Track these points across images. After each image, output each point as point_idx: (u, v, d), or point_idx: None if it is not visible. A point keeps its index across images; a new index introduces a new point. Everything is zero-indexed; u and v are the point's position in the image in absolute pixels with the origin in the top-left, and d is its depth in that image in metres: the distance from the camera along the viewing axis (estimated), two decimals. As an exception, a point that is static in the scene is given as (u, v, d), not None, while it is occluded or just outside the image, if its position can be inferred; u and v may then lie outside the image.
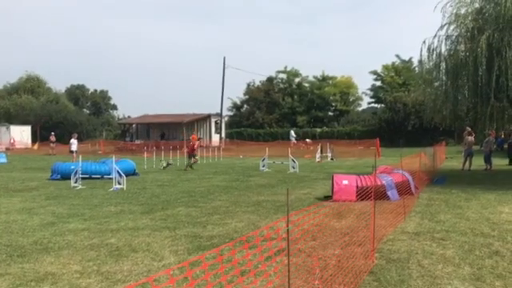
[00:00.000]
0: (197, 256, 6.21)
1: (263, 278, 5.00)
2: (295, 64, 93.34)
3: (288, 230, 3.97)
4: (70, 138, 28.73)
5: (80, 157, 17.52)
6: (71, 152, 27.15)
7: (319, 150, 28.48)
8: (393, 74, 56.30)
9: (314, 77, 61.88)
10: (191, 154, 22.65)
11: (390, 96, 48.21)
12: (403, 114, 43.88)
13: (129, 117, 66.58)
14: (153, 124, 50.38)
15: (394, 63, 57.34)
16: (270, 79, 61.49)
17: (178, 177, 18.66)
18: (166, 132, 48.62)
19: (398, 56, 57.82)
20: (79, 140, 32.75)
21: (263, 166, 21.41)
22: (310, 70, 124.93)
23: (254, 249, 5.17)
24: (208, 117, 49.39)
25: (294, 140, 44.82)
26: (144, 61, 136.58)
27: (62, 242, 7.65)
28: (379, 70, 57.88)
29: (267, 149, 23.06)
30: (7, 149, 43.24)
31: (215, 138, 48.66)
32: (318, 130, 53.01)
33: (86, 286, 5.59)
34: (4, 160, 28.92)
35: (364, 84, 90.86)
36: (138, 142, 47.08)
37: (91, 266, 6.31)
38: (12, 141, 47.72)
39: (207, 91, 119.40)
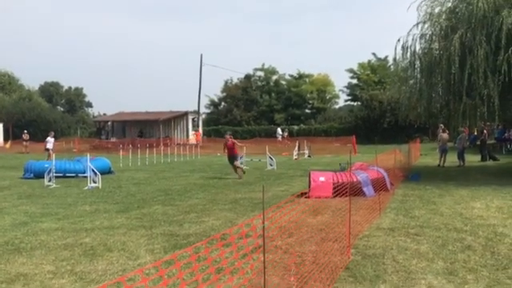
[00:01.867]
0: (172, 254, 6.16)
1: (239, 275, 5.00)
2: (272, 61, 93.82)
3: (264, 226, 3.96)
4: (47, 136, 28.14)
5: (54, 155, 17.20)
6: (46, 150, 26.64)
7: (297, 148, 28.63)
8: (369, 72, 56.80)
9: (290, 75, 62.13)
10: (232, 155, 17.62)
11: (366, 94, 48.66)
12: (379, 112, 44.37)
13: (104, 114, 65.45)
14: (129, 121, 49.73)
15: (369, 61, 57.87)
16: (247, 77, 61.27)
17: (154, 175, 18.48)
18: (143, 130, 48.04)
19: (373, 54, 58.39)
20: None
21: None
22: (287, 67, 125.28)
23: (230, 246, 5.16)
24: (185, 114, 48.98)
25: (280, 138, 45.17)
26: (120, 58, 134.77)
27: (34, 242, 7.49)
28: (355, 67, 58.44)
29: (245, 147, 23.05)
30: (-22, 147, 42.17)
31: (192, 135, 48.35)
32: (296, 127, 53.21)
33: (59, 286, 5.49)
34: (-25, 159, 28.18)
35: (341, 82, 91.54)
36: (113, 139, 46.41)
37: (65, 266, 6.19)
38: (-17, 139, 46.54)
39: (184, 88, 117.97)
